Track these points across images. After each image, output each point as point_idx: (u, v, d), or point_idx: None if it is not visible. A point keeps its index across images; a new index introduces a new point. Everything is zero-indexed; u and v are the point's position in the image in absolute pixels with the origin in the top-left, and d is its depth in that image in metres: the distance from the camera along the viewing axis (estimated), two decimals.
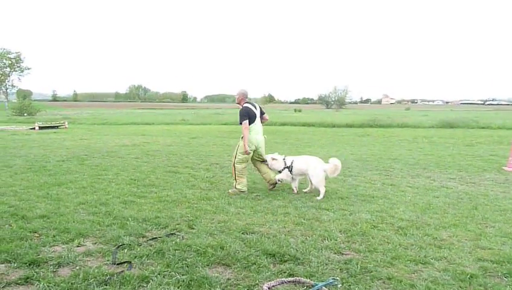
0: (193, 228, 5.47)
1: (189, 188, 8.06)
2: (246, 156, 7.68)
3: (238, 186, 7.65)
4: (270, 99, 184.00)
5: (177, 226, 5.53)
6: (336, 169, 7.35)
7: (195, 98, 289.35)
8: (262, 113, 8.00)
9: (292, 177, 7.79)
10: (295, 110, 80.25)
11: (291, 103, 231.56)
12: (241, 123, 7.62)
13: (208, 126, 29.81)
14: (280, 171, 7.83)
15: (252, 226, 5.56)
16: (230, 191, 7.67)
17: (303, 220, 5.83)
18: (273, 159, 7.90)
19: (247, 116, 7.60)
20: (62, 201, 6.77)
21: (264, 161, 8.01)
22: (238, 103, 8.01)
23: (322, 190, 7.31)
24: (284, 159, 7.90)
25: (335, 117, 43.93)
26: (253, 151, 7.83)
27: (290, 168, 7.73)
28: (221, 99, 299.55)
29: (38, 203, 6.64)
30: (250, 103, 7.91)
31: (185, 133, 23.13)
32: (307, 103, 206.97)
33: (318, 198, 7.18)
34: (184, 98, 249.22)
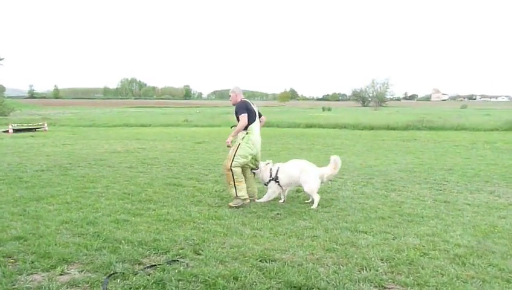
0: (200, 254, 5.48)
1: (195, 204, 8.11)
2: (245, 159, 8.08)
3: (239, 194, 7.90)
4: (291, 95, 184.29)
5: (180, 251, 5.56)
6: (336, 166, 8.22)
7: (200, 94, 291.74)
8: (259, 115, 8.56)
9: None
10: (323, 109, 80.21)
11: (318, 99, 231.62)
12: (238, 116, 8.09)
13: (217, 128, 30.01)
14: (266, 184, 8.34)
15: (271, 252, 5.54)
16: (231, 203, 7.90)
17: (335, 245, 5.80)
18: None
19: (246, 110, 8.10)
20: (42, 219, 6.88)
21: (253, 169, 8.49)
22: (234, 103, 8.43)
23: (317, 198, 7.95)
24: (269, 166, 8.47)
25: (373, 117, 43.75)
26: (251, 157, 8.23)
27: (276, 179, 8.24)
28: None
29: (13, 221, 6.76)
30: (248, 101, 8.42)
31: (188, 137, 23.31)
32: (338, 100, 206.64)
33: (313, 207, 7.80)
34: (187, 94, 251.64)
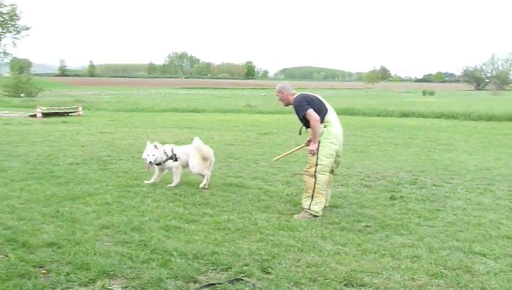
0: (269, 273, 5.52)
1: (261, 210, 8.17)
2: (331, 159, 8.02)
3: (314, 207, 7.84)
4: (382, 74, 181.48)
5: (244, 268, 5.62)
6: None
7: (266, 73, 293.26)
8: None
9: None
10: (424, 93, 78.39)
11: (417, 80, 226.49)
12: (303, 117, 7.99)
13: (287, 116, 29.96)
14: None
15: (359, 274, 5.50)
16: (297, 216, 7.89)
17: (443, 270, 5.66)
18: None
19: (309, 103, 8.00)
20: (78, 223, 7.18)
21: (332, 172, 8.51)
22: (287, 104, 8.48)
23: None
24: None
25: (492, 104, 42.22)
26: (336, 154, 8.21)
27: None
28: (305, 74, 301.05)
29: (45, 224, 7.08)
30: (304, 93, 8.43)
31: (251, 126, 23.52)
32: (444, 81, 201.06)
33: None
34: (249, 72, 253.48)
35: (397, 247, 6.44)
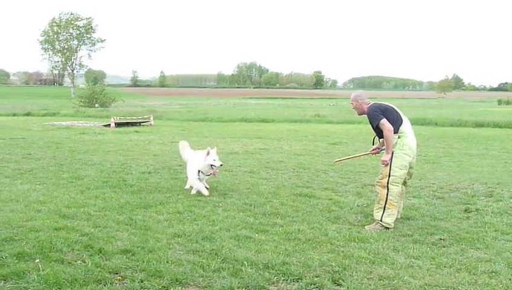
0: (340, 285, 5.50)
1: (332, 221, 8.14)
2: (405, 170, 7.92)
3: (386, 219, 7.76)
4: (455, 83, 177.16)
5: (315, 279, 5.61)
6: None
7: (334, 83, 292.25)
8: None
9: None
10: (500, 102, 75.93)
11: (492, 89, 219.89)
12: (376, 126, 7.91)
13: (357, 125, 29.74)
14: None
15: (434, 288, 5.42)
16: (369, 227, 7.82)
17: None
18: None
19: (383, 112, 7.91)
20: (150, 231, 7.37)
21: (405, 183, 8.37)
22: (361, 113, 8.38)
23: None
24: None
25: None
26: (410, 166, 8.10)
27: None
28: (375, 83, 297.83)
29: (119, 232, 7.32)
30: (378, 102, 8.32)
31: (321, 137, 23.45)
32: None
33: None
34: (318, 82, 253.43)
35: (473, 261, 6.28)
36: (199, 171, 9.98)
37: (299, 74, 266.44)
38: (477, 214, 8.68)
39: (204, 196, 9.75)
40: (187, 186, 10.41)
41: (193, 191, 10.03)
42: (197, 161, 10.07)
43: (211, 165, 9.90)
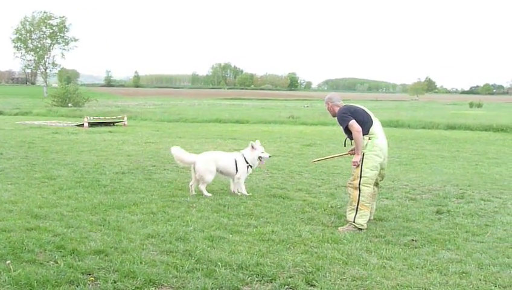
0: (313, 285, 5.53)
1: (305, 222, 8.18)
2: (376, 171, 7.99)
3: (359, 220, 7.81)
4: (427, 86, 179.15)
5: (289, 280, 5.64)
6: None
7: (309, 84, 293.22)
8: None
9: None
10: (471, 105, 77.15)
11: (464, 92, 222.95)
12: (346, 127, 7.98)
13: (331, 127, 29.90)
14: None
15: (406, 289, 5.47)
16: (342, 228, 7.87)
17: (493, 287, 5.57)
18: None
19: (352, 114, 7.99)
20: (124, 231, 7.32)
21: (377, 185, 8.49)
22: (333, 115, 8.45)
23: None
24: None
25: None
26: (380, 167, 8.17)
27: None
28: (349, 85, 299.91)
29: (92, 232, 7.26)
30: (349, 104, 8.45)
31: (295, 138, 23.52)
32: (492, 93, 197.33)
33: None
34: (292, 83, 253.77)
35: (445, 262, 6.36)
36: (248, 166, 10.23)
37: (273, 75, 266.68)
38: (449, 215, 8.78)
39: (246, 195, 10.07)
40: (235, 189, 10.39)
41: (205, 193, 10.07)
42: (241, 161, 10.24)
43: (259, 158, 10.22)
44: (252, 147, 10.20)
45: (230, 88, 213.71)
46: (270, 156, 10.45)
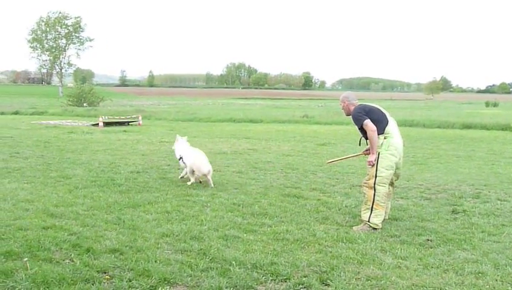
0: (328, 285, 5.53)
1: (320, 222, 8.18)
2: (391, 170, 7.96)
3: (373, 220, 7.79)
4: (443, 85, 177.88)
5: (303, 279, 5.64)
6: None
7: (323, 83, 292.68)
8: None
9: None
10: (487, 104, 76.43)
11: (479, 91, 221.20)
12: (361, 126, 7.94)
13: (345, 126, 29.81)
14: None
15: (421, 289, 5.46)
16: (356, 227, 7.86)
17: (510, 288, 5.55)
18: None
19: (367, 113, 7.95)
20: (139, 230, 7.37)
21: (392, 184, 8.44)
22: (348, 114, 8.40)
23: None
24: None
25: None
26: (396, 166, 8.13)
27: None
28: (363, 84, 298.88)
29: (107, 231, 7.32)
30: (364, 104, 8.38)
31: (309, 137, 23.49)
32: (508, 92, 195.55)
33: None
34: (307, 82, 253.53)
35: (460, 262, 6.33)
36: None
37: (287, 74, 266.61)
38: (464, 215, 8.73)
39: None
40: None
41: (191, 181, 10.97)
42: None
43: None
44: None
45: (245, 88, 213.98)
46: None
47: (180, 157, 11.46)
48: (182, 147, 11.75)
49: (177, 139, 12.19)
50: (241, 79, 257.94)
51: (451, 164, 15.22)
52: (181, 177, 11.57)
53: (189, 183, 10.97)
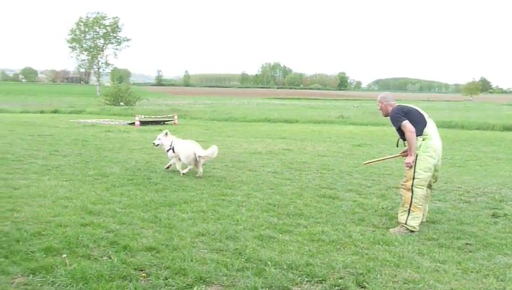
0: (364, 287, 5.50)
1: (356, 223, 8.13)
2: (429, 173, 7.88)
3: (411, 222, 7.71)
4: (482, 86, 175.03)
5: (339, 281, 5.61)
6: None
7: (359, 84, 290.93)
8: None
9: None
10: None
11: None
12: (399, 128, 7.89)
13: (381, 127, 29.59)
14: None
15: None
16: (393, 230, 7.78)
17: None
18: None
19: (405, 114, 7.87)
20: (175, 229, 7.43)
21: (430, 186, 8.36)
22: (386, 115, 8.32)
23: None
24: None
25: None
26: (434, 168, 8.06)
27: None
28: (400, 85, 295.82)
29: (144, 229, 7.39)
30: (402, 105, 8.30)
31: (345, 138, 23.37)
32: None
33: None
34: (342, 82, 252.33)
35: (501, 267, 6.22)
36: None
37: (323, 74, 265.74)
38: (505, 219, 8.58)
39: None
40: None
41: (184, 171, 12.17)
42: None
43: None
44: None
45: (280, 88, 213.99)
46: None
47: (169, 149, 12.77)
48: (171, 140, 13.04)
49: (165, 133, 13.48)
50: (276, 79, 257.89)
51: (491, 167, 14.97)
52: (167, 167, 12.83)
53: (184, 171, 12.19)
